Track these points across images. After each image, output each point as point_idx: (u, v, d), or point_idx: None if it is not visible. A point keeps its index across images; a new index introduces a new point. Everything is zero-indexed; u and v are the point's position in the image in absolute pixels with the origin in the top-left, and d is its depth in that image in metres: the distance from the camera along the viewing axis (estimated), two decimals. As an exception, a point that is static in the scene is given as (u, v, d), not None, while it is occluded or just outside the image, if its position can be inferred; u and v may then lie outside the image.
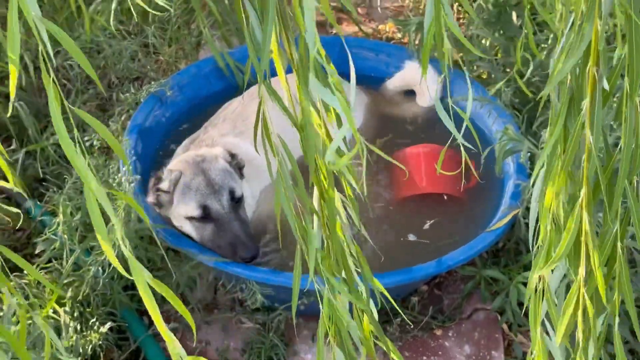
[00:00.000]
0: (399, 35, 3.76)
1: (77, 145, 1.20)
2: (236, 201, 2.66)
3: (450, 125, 1.30)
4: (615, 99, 1.42)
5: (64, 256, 2.54)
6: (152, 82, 3.15)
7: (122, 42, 3.38)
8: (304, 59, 1.23)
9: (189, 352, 2.67)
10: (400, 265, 2.60)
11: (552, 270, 1.40)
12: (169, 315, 2.74)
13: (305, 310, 2.63)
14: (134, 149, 2.81)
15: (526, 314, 1.75)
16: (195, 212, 2.62)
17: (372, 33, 3.84)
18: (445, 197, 2.91)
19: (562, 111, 1.26)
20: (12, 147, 3.12)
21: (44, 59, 1.16)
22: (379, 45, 3.46)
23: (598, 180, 1.28)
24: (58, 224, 2.51)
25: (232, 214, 2.63)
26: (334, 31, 3.80)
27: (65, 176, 2.70)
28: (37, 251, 2.65)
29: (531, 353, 1.54)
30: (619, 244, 1.31)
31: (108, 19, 3.25)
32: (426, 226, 2.84)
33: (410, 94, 3.30)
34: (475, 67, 3.26)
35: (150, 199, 2.68)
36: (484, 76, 3.33)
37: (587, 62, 1.23)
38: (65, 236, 2.51)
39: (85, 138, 2.86)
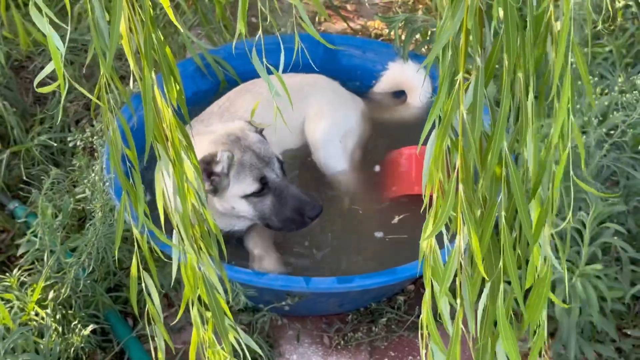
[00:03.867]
0: (387, 31, 3.73)
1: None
2: (282, 166, 2.69)
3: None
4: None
5: (45, 258, 2.51)
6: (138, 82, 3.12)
7: (107, 41, 3.36)
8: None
9: (174, 353, 2.65)
10: (387, 261, 2.60)
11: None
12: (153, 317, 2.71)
13: (289, 311, 2.61)
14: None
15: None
16: (254, 187, 2.61)
17: (361, 29, 3.81)
18: None
19: (442, 86, 1.27)
20: (-3, 148, 3.11)
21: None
22: (366, 42, 3.43)
23: (484, 153, 1.30)
24: (38, 225, 2.49)
25: (286, 180, 2.67)
26: (322, 28, 3.78)
27: (42, 177, 2.68)
28: (19, 252, 2.63)
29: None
30: (503, 214, 1.31)
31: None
32: (395, 221, 2.82)
33: (399, 94, 3.28)
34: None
35: (207, 186, 2.61)
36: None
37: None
38: (46, 237, 2.49)
39: (69, 139, 2.84)
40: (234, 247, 2.76)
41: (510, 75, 1.22)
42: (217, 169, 2.60)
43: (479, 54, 1.22)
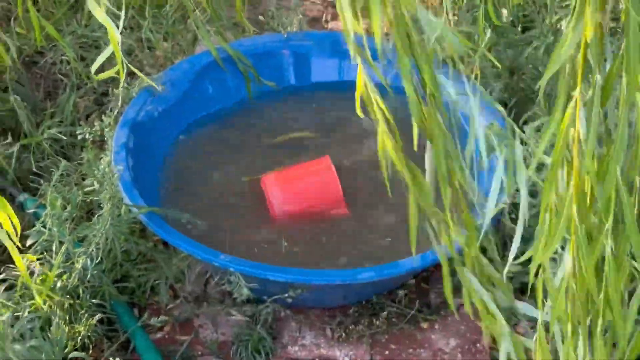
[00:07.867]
0: (394, 31, 3.77)
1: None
2: None
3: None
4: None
5: (54, 248, 2.57)
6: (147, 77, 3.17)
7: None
8: None
9: (179, 345, 2.70)
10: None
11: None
12: (159, 308, 2.77)
13: (292, 303, 2.66)
14: (126, 144, 2.84)
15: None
16: None
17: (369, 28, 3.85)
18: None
19: (559, 103, 1.24)
20: (8, 141, 3.16)
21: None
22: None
23: (597, 174, 1.25)
24: (47, 216, 2.54)
25: None
26: (329, 26, 3.82)
27: (52, 169, 2.73)
28: (28, 243, 2.68)
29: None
30: (609, 241, 1.28)
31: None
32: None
33: None
34: (467, 63, 3.27)
35: None
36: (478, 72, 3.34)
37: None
38: (55, 228, 2.54)
39: (78, 132, 2.89)
40: None
41: (631, 98, 1.17)
42: None
43: (599, 70, 1.18)
